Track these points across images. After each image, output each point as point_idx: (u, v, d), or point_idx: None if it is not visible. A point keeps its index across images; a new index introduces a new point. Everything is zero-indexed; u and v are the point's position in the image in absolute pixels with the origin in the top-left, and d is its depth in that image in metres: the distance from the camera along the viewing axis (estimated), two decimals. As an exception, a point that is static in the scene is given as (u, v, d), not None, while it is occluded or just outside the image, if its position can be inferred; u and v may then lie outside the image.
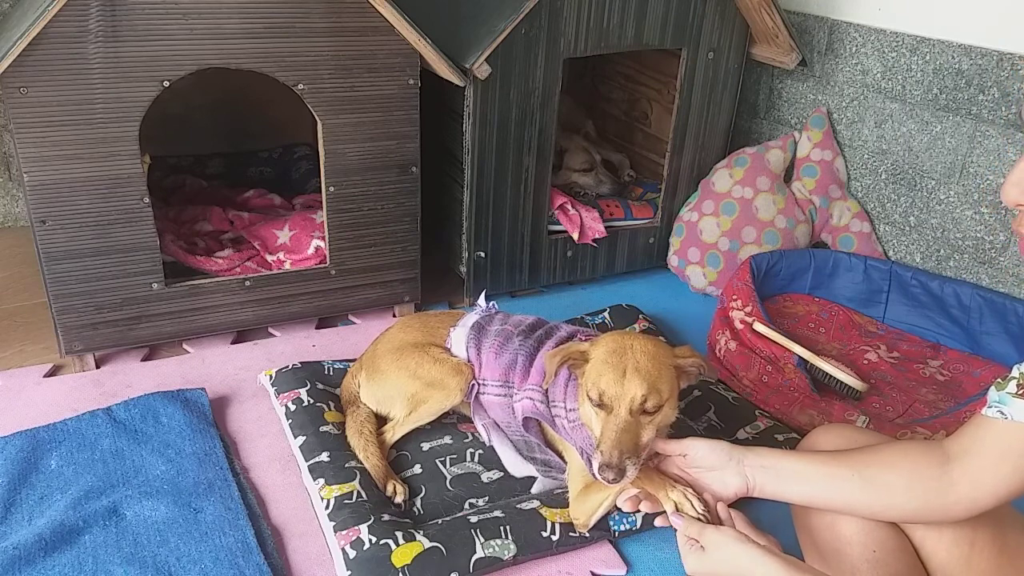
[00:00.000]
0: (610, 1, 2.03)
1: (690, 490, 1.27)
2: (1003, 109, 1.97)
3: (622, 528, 1.46)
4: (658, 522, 1.29)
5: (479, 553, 1.36)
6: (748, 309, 1.97)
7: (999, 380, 1.03)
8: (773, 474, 1.21)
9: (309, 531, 1.47)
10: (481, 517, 1.43)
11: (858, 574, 1.14)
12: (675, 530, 1.22)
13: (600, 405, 1.29)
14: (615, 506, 1.39)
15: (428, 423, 1.63)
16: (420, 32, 1.80)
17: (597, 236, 2.31)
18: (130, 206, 1.74)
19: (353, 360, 1.81)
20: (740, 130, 2.59)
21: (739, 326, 1.95)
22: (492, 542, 1.38)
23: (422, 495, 1.52)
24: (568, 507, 1.45)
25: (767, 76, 2.55)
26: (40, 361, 1.90)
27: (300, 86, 1.79)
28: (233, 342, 2.02)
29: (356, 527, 1.39)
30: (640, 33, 2.12)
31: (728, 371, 1.94)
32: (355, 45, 1.79)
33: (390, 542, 1.35)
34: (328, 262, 2.00)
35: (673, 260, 2.41)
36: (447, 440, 1.64)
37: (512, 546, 1.38)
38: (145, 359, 1.93)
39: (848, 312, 2.23)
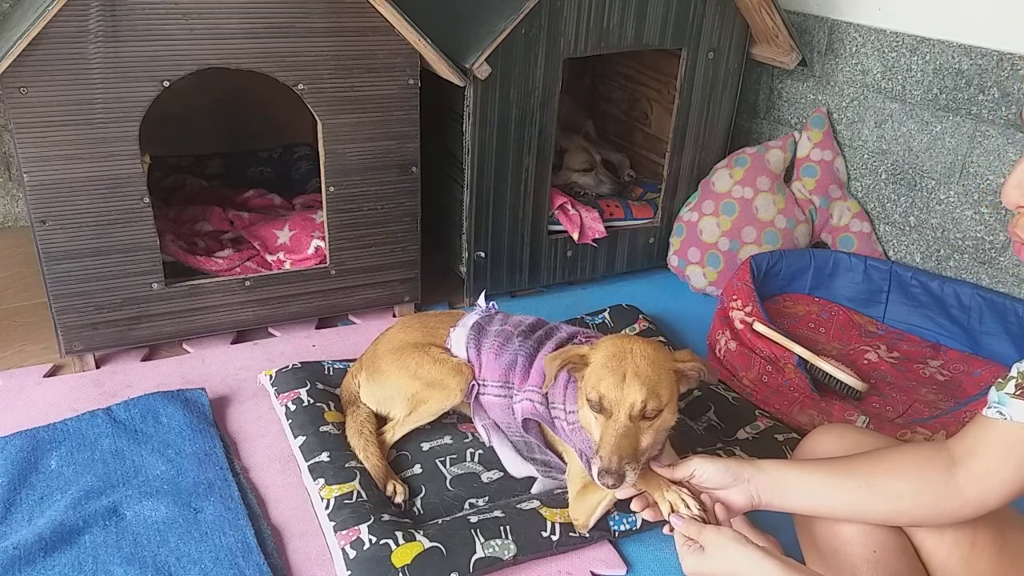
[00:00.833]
0: (610, 1, 2.03)
1: (685, 490, 1.26)
2: (1003, 109, 1.97)
3: (622, 528, 1.46)
4: (665, 530, 1.27)
5: (479, 553, 1.36)
6: (748, 309, 1.97)
7: (999, 380, 1.03)
8: (779, 491, 1.19)
9: (309, 531, 1.47)
10: (481, 517, 1.43)
11: (858, 574, 1.14)
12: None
13: (599, 409, 1.28)
14: (615, 506, 1.38)
15: (428, 423, 1.63)
16: (420, 32, 1.81)
17: (597, 236, 2.31)
18: (130, 206, 1.74)
19: (353, 360, 1.81)
20: (740, 130, 2.59)
21: (739, 326, 1.95)
22: (492, 542, 1.38)
23: (422, 495, 1.52)
24: (568, 507, 1.45)
25: (767, 76, 2.55)
26: (40, 361, 1.90)
27: (300, 86, 1.79)
28: (233, 342, 2.02)
29: (356, 527, 1.39)
30: (640, 33, 2.12)
31: (728, 371, 1.94)
32: (355, 45, 1.79)
33: (390, 542, 1.35)
34: (328, 262, 2.00)
35: (673, 260, 2.41)
36: (447, 440, 1.64)
37: (512, 546, 1.38)
38: (145, 359, 1.93)
39: (848, 312, 2.23)
